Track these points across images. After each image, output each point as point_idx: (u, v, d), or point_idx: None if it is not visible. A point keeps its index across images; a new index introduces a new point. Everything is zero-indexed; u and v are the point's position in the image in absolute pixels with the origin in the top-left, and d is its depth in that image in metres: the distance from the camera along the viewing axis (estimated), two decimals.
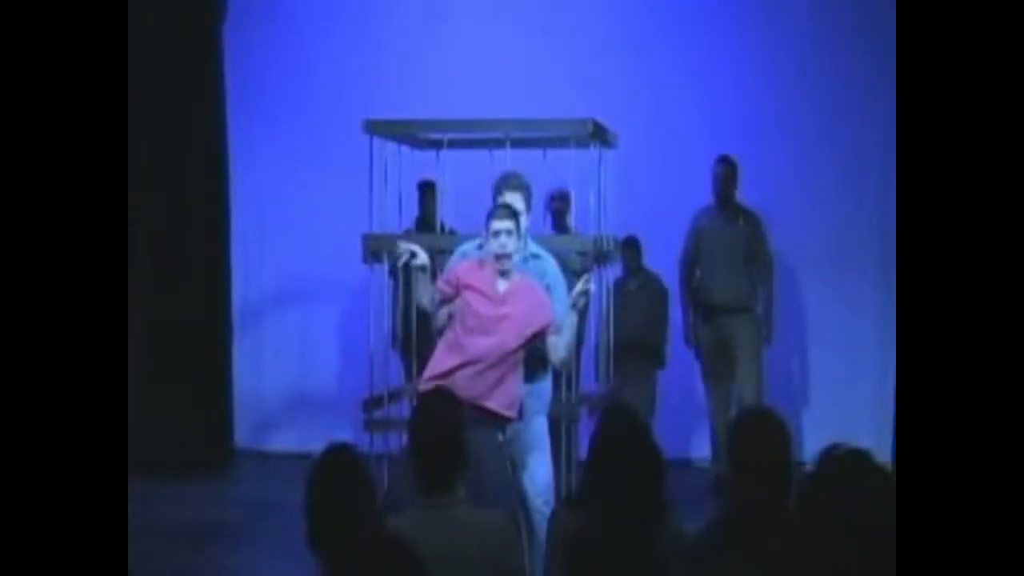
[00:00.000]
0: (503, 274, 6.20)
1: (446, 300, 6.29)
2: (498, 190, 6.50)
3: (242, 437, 10.43)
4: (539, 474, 6.46)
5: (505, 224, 6.13)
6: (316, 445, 4.29)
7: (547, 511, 6.36)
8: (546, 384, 6.61)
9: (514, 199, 6.43)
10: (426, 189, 8.95)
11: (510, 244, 6.14)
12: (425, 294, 6.34)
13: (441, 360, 6.18)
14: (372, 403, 7.44)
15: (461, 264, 6.39)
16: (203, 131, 9.95)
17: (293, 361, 10.78)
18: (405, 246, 6.28)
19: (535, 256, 6.53)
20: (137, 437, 9.35)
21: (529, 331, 6.16)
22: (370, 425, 7.36)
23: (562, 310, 6.29)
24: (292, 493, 4.20)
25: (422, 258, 6.24)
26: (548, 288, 6.39)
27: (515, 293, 6.19)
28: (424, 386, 6.15)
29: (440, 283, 6.30)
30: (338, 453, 4.00)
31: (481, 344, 6.11)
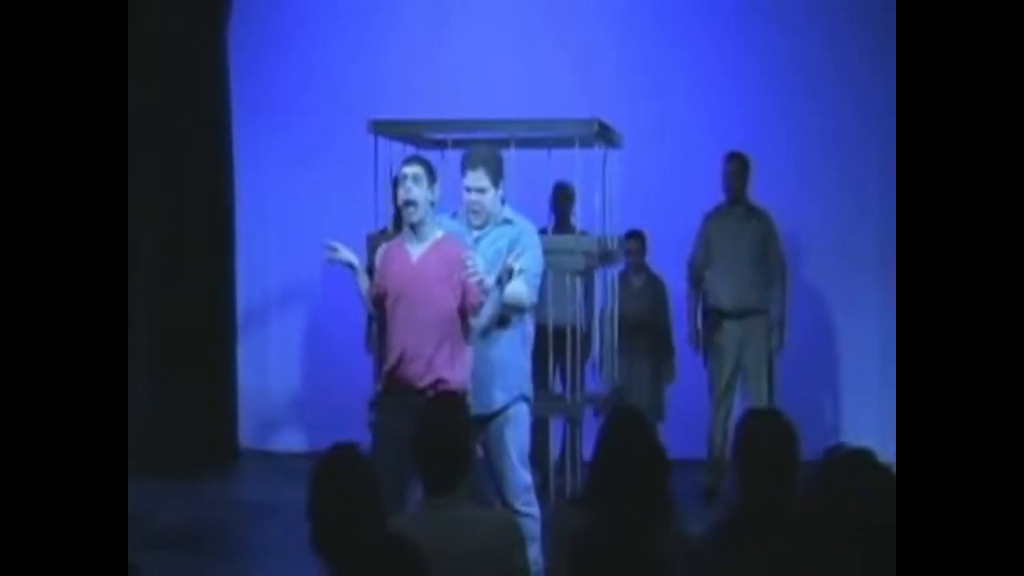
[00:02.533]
0: (415, 231, 6.13)
1: (380, 291, 6.23)
2: (462, 168, 6.36)
3: (247, 437, 10.44)
4: (516, 479, 6.32)
5: (413, 169, 6.09)
6: (321, 445, 4.29)
7: (529, 510, 6.28)
8: (519, 369, 6.43)
9: (476, 177, 6.29)
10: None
11: (415, 190, 6.06)
12: (363, 291, 6.29)
13: (388, 360, 6.19)
14: (374, 401, 7.44)
15: (382, 247, 6.34)
16: (207, 131, 9.95)
17: (298, 361, 10.80)
18: (327, 244, 6.22)
19: (507, 221, 6.41)
20: (142, 437, 9.40)
21: (453, 300, 6.06)
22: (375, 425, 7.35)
23: (531, 264, 6.23)
24: (297, 493, 4.20)
25: (344, 254, 6.21)
26: (514, 244, 6.26)
27: (430, 257, 6.11)
28: (377, 388, 6.26)
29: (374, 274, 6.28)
30: (342, 454, 3.99)
31: (407, 324, 6.07)
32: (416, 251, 6.16)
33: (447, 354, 6.07)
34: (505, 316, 6.32)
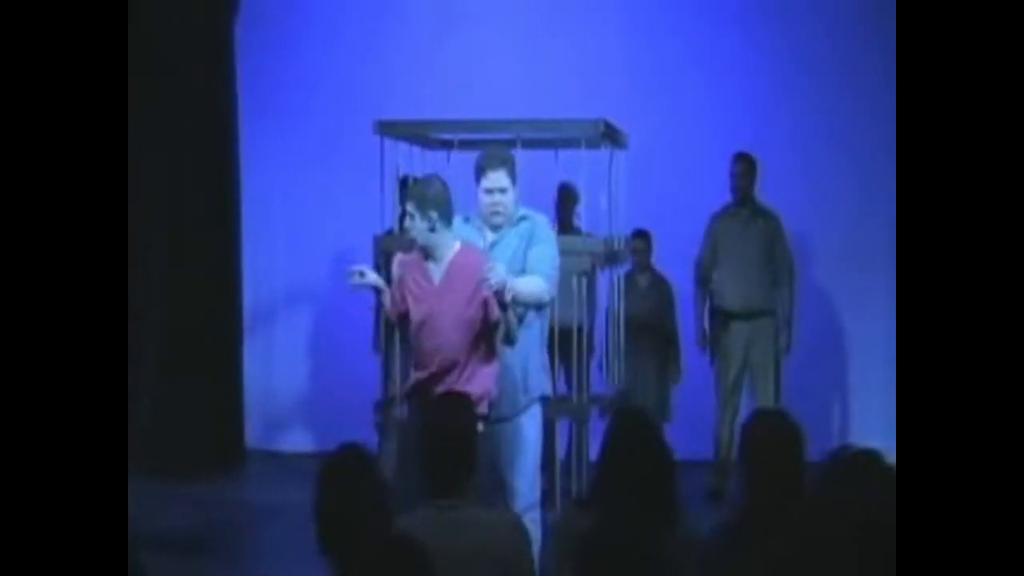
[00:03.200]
0: (432, 259, 6.08)
1: (403, 310, 6.17)
2: (481, 170, 6.27)
3: (253, 437, 10.44)
4: (526, 493, 6.25)
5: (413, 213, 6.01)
6: (327, 445, 4.29)
7: (532, 527, 6.20)
8: (538, 368, 6.38)
9: (499, 177, 6.23)
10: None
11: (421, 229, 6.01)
12: (388, 310, 6.24)
13: (414, 373, 6.17)
14: (384, 404, 7.45)
15: (399, 261, 6.26)
16: (214, 131, 9.96)
17: (304, 361, 10.80)
18: (353, 270, 6.15)
19: (523, 218, 6.36)
20: (149, 438, 9.42)
21: (478, 316, 5.99)
22: (381, 426, 7.36)
23: (542, 256, 6.21)
24: (303, 494, 4.20)
25: (371, 278, 6.13)
26: (531, 241, 6.26)
27: (452, 277, 6.05)
28: (404, 391, 6.25)
29: (392, 290, 6.20)
30: (348, 454, 3.99)
31: (436, 345, 6.03)
32: (437, 272, 6.09)
33: (474, 369, 6.04)
34: (522, 315, 6.25)
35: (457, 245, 6.10)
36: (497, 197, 6.25)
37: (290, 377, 10.77)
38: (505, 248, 6.27)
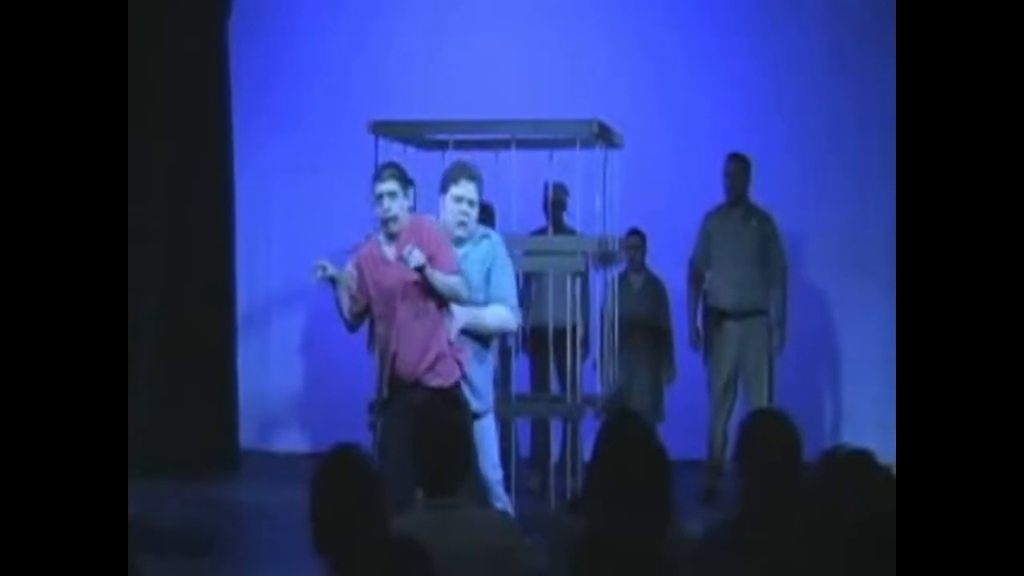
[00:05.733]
0: (391, 237, 6.23)
1: (362, 303, 6.31)
2: (452, 180, 6.47)
3: (248, 438, 10.44)
4: (489, 475, 6.39)
5: (388, 186, 6.16)
6: (322, 446, 4.29)
7: (499, 505, 6.29)
8: (483, 372, 6.55)
9: (471, 189, 6.44)
10: None
11: (393, 207, 6.18)
12: (343, 305, 6.35)
13: (384, 356, 6.27)
14: (378, 405, 7.44)
15: (355, 262, 6.38)
16: (208, 132, 9.96)
17: (299, 361, 10.80)
18: (317, 264, 6.24)
19: (484, 236, 6.58)
20: (144, 438, 9.41)
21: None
22: (376, 426, 7.35)
23: (505, 284, 6.44)
24: (298, 494, 4.20)
25: (330, 271, 6.24)
26: (493, 265, 6.49)
27: (402, 247, 6.18)
28: (380, 392, 6.39)
29: (354, 291, 6.32)
30: (344, 454, 3.99)
31: (397, 321, 6.18)
32: (391, 250, 6.25)
33: (440, 341, 6.20)
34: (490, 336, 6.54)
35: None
36: (465, 207, 6.45)
37: (285, 377, 10.77)
38: (471, 266, 6.42)
